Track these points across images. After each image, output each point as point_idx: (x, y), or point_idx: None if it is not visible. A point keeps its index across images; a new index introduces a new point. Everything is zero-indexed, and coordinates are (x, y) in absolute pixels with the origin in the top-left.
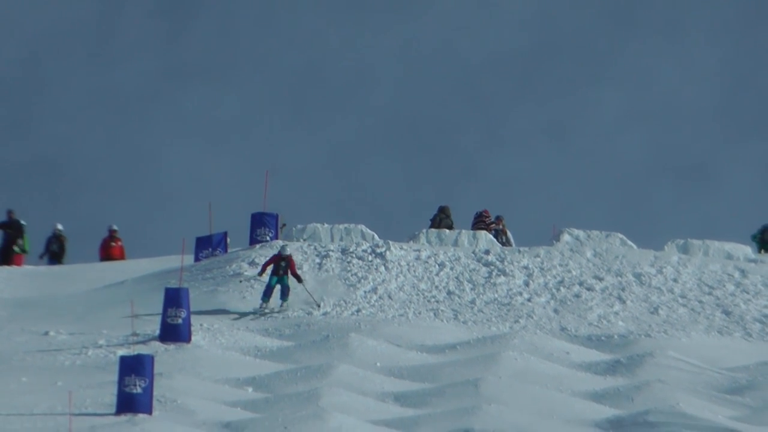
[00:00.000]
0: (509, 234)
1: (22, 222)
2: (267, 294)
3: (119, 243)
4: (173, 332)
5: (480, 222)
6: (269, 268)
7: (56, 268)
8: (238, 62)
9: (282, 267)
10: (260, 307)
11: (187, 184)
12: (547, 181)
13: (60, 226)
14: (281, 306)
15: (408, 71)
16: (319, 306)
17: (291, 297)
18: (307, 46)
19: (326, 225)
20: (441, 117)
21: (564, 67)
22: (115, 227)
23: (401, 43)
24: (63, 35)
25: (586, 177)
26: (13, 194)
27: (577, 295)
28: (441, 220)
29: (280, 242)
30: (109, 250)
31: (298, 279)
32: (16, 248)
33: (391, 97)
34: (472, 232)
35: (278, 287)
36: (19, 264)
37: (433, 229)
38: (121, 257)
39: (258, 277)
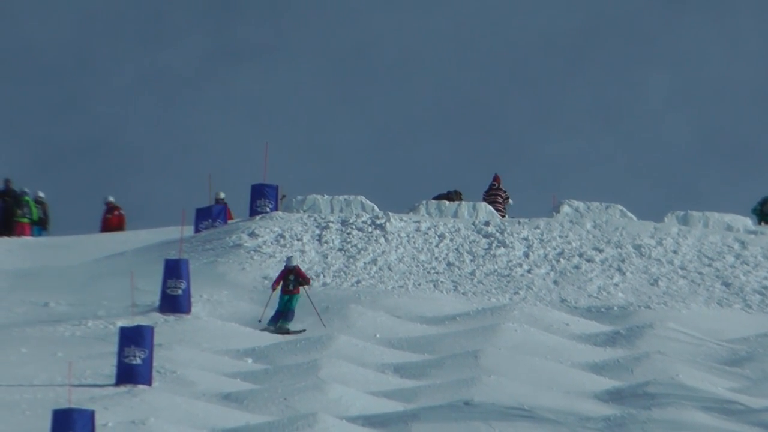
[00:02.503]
0: (510, 199)
1: (26, 190)
2: (276, 319)
3: (116, 212)
4: (173, 303)
5: (493, 192)
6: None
7: (56, 239)
8: (287, 43)
9: (291, 281)
10: (265, 329)
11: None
12: (595, 163)
13: (41, 194)
14: (284, 327)
15: (457, 52)
16: (324, 326)
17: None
18: (356, 26)
19: (326, 196)
20: (489, 98)
21: (613, 48)
22: (111, 199)
23: (450, 23)
24: (112, 16)
25: (634, 158)
26: (61, 174)
27: (577, 267)
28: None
29: (288, 256)
30: (107, 222)
31: (308, 282)
32: (24, 219)
33: (439, 78)
34: (471, 203)
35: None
36: (26, 233)
37: (433, 201)
38: (120, 226)
39: (273, 290)
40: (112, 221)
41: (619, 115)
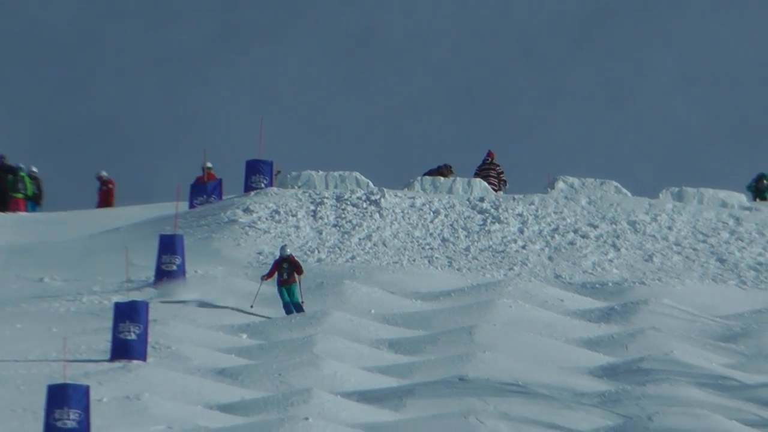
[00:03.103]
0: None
1: (20, 165)
2: (290, 312)
3: (106, 187)
4: (168, 279)
5: (486, 167)
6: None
7: (52, 214)
8: (294, 23)
9: (285, 270)
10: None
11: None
12: (603, 143)
13: (35, 169)
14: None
15: (464, 33)
16: (302, 304)
17: (286, 242)
18: (357, 4)
19: (321, 172)
20: (497, 79)
21: (621, 29)
22: (102, 173)
23: (458, 4)
24: None
25: (642, 139)
26: (69, 153)
27: (572, 243)
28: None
29: (283, 247)
30: (101, 196)
31: (300, 271)
32: (19, 194)
33: (447, 59)
34: (466, 179)
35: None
36: (21, 209)
37: (427, 177)
38: (108, 200)
39: (264, 280)
40: (102, 195)
41: (624, 95)
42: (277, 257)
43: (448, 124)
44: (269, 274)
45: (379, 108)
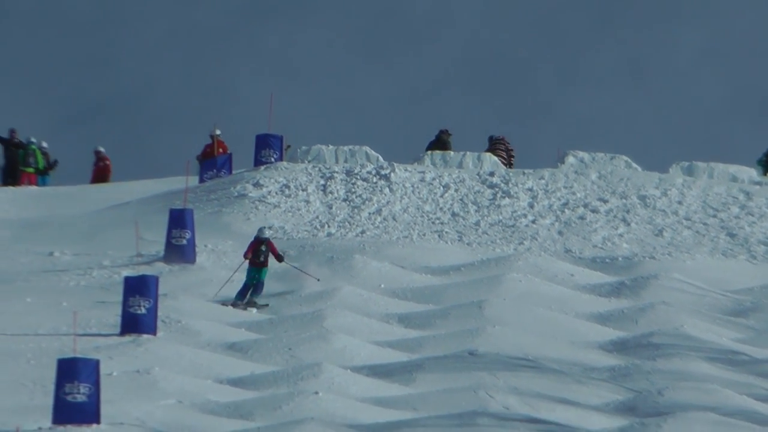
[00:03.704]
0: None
1: (32, 139)
2: (243, 294)
3: (102, 163)
4: (178, 253)
5: (497, 142)
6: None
7: (62, 189)
8: None
9: (263, 252)
10: (234, 305)
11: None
12: (619, 119)
13: (45, 143)
14: (253, 301)
15: (486, 7)
16: (318, 279)
17: (295, 219)
18: None
19: (331, 146)
20: (518, 54)
21: (641, 3)
22: (99, 148)
23: None
24: None
25: (657, 114)
26: (95, 129)
27: (582, 217)
28: (441, 143)
29: (262, 229)
30: (96, 172)
31: (280, 259)
32: (30, 168)
33: (469, 33)
34: (476, 154)
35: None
36: (33, 183)
37: (438, 151)
38: (105, 176)
39: (246, 258)
40: (98, 171)
41: (642, 70)
42: (254, 238)
43: (461, 98)
44: (247, 253)
45: (392, 83)
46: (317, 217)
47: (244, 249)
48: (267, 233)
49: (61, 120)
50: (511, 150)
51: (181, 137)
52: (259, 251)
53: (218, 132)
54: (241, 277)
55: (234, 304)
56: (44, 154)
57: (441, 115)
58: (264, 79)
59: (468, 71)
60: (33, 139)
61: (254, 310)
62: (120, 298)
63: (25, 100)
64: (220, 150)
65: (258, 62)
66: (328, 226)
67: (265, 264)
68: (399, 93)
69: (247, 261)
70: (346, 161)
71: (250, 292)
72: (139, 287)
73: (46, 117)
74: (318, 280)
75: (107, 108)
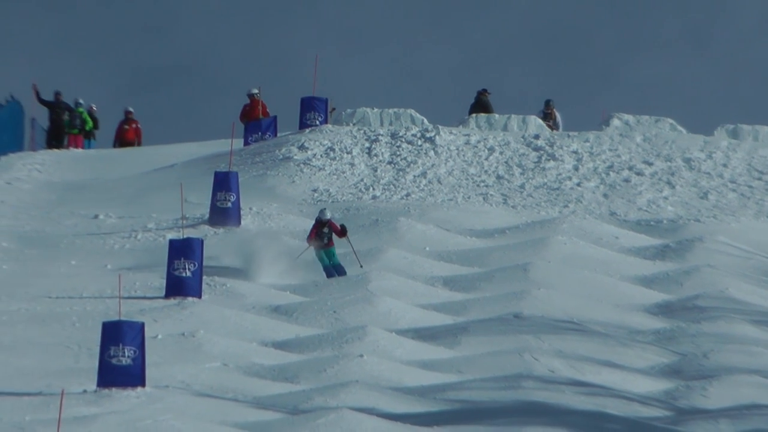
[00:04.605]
0: (558, 118)
1: (80, 101)
2: (331, 275)
3: (134, 125)
4: (222, 216)
5: (545, 114)
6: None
7: (106, 151)
8: None
9: (325, 234)
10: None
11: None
12: (685, 86)
13: (94, 106)
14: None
15: None
16: (361, 266)
17: (340, 182)
18: None
19: (376, 109)
20: (579, 21)
21: None
22: (130, 109)
23: None
24: None
25: (726, 82)
26: (154, 97)
27: (627, 180)
28: (482, 104)
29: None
30: (123, 134)
31: (343, 234)
32: (75, 130)
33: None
34: (521, 116)
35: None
36: (79, 145)
37: (482, 114)
38: (135, 140)
39: (309, 244)
40: (128, 134)
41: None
42: (316, 220)
43: (510, 64)
44: (310, 236)
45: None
46: (362, 180)
47: (307, 232)
48: (328, 214)
49: (119, 86)
50: (556, 117)
51: (233, 101)
52: (322, 233)
53: (256, 91)
54: (305, 260)
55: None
56: (94, 119)
57: (490, 80)
58: (316, 42)
59: (519, 38)
60: (81, 101)
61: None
62: (165, 260)
63: (88, 68)
64: (259, 108)
65: (309, 25)
66: (373, 189)
67: (330, 244)
68: (448, 57)
69: (312, 240)
70: (391, 124)
71: (334, 276)
72: (184, 250)
73: (105, 83)
74: (361, 266)
75: (163, 74)
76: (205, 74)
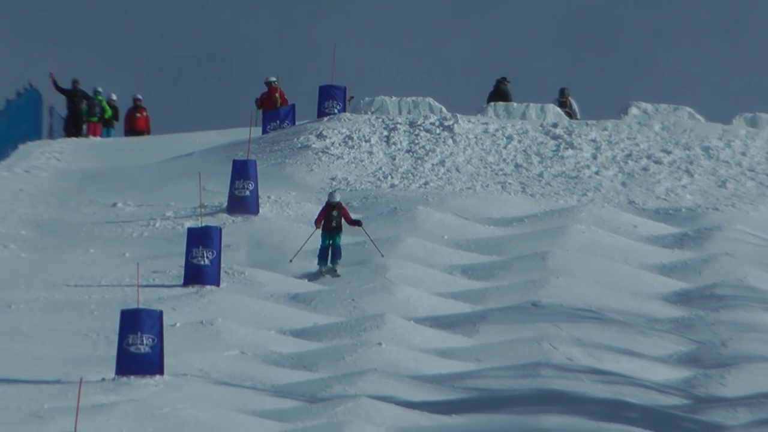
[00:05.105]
0: (574, 105)
1: (99, 89)
2: (323, 257)
3: (144, 113)
4: (241, 204)
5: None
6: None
7: (124, 140)
8: None
9: (334, 217)
10: (318, 272)
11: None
12: (704, 75)
13: (114, 96)
14: (333, 269)
15: None
16: (382, 255)
17: (358, 170)
18: None
19: (394, 98)
20: (599, 9)
21: None
22: (139, 96)
23: None
24: None
25: (744, 71)
26: (183, 86)
27: (645, 169)
28: (501, 92)
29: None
30: (134, 122)
31: (357, 223)
32: (94, 118)
33: None
34: (539, 105)
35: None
36: (98, 134)
37: (501, 102)
38: (146, 129)
39: (317, 227)
40: (139, 123)
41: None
42: (326, 203)
43: (534, 53)
44: (317, 221)
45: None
46: (380, 169)
47: (315, 216)
48: (338, 197)
49: (149, 76)
50: (573, 105)
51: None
52: (331, 216)
53: (273, 79)
54: (312, 247)
55: (319, 271)
56: (113, 108)
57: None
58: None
59: (538, 27)
60: (99, 89)
61: (335, 277)
62: (183, 249)
63: (114, 57)
64: (276, 96)
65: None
66: (391, 178)
67: (338, 228)
68: (468, 46)
69: (320, 225)
70: (409, 112)
71: (329, 257)
72: (202, 238)
73: (135, 74)
74: (383, 256)
75: (190, 64)
76: (226, 63)
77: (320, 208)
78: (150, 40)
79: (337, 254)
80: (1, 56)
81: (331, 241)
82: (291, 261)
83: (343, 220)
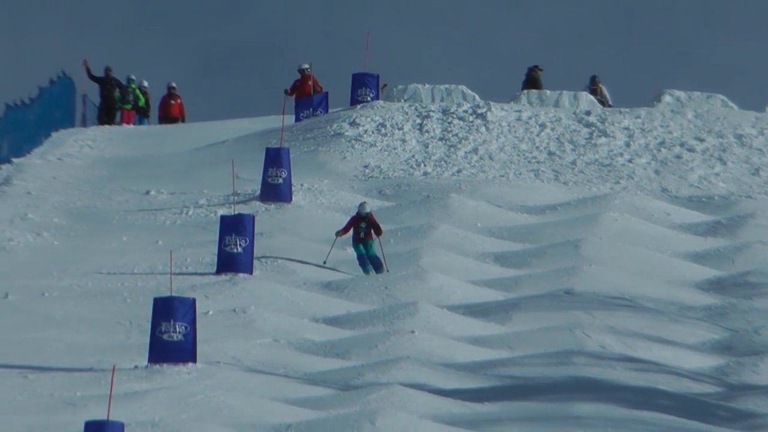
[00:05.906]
0: (606, 93)
1: (132, 77)
2: (363, 263)
3: (178, 101)
4: (274, 192)
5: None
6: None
7: (157, 127)
8: None
9: (363, 229)
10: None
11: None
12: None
13: (146, 83)
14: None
15: None
16: (387, 270)
17: (391, 158)
18: None
19: (427, 85)
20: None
21: None
22: (173, 84)
23: None
24: None
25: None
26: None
27: (678, 156)
28: (533, 80)
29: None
30: (167, 109)
31: (379, 233)
32: (128, 105)
33: None
34: (572, 93)
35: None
36: (130, 121)
37: (534, 90)
38: (181, 115)
39: (339, 236)
40: (173, 110)
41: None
42: (355, 214)
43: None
44: (344, 230)
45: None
46: (413, 156)
47: (344, 223)
48: (367, 209)
49: (194, 68)
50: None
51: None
52: (359, 228)
53: (306, 66)
54: (335, 257)
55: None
56: (144, 94)
57: (542, 57)
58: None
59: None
60: (132, 77)
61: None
62: (216, 236)
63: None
64: (310, 84)
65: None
66: (425, 165)
67: (368, 238)
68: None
69: (344, 236)
70: (442, 100)
71: (369, 266)
72: (235, 226)
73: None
74: (387, 270)
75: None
76: (266, 52)
77: (349, 218)
78: (189, 31)
79: (378, 266)
80: (35, 44)
81: (365, 251)
82: (324, 263)
83: (374, 231)
